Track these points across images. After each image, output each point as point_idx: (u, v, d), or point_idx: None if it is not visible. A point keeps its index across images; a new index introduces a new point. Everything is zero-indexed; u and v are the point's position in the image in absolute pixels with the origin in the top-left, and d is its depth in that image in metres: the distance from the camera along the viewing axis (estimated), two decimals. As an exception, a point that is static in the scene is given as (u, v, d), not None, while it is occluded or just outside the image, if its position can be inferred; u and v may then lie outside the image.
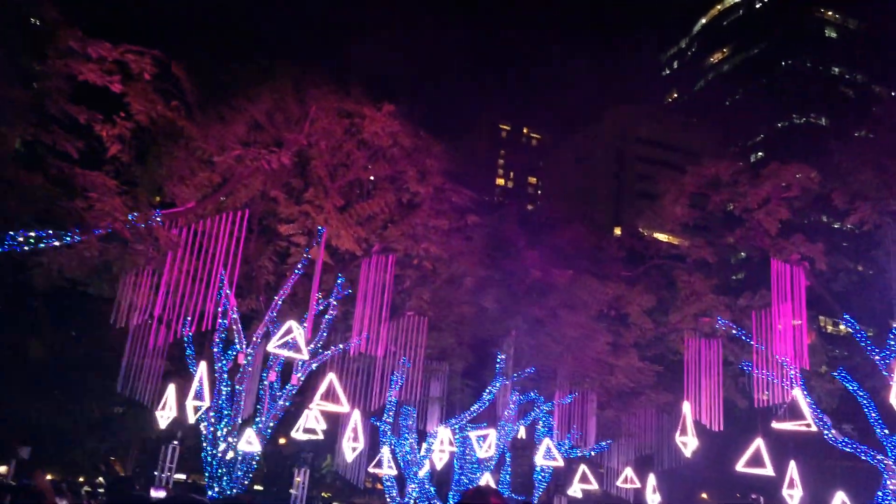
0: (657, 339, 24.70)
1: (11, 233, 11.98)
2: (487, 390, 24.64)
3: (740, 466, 20.26)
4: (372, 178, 19.69)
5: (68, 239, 12.71)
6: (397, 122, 18.14)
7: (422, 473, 24.77)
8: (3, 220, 12.08)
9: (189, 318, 17.35)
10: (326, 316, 19.83)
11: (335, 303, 19.91)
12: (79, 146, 12.53)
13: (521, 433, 27.57)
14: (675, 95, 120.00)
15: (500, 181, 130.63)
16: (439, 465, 24.26)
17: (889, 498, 18.94)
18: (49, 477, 18.14)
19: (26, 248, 12.28)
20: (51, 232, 12.40)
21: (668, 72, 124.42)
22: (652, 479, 27.04)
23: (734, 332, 21.72)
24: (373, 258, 18.96)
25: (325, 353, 20.17)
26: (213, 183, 16.59)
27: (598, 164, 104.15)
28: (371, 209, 18.87)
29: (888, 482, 18.96)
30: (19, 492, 12.83)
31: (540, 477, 26.52)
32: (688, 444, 20.54)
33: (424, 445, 24.71)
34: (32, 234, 12.13)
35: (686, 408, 20.72)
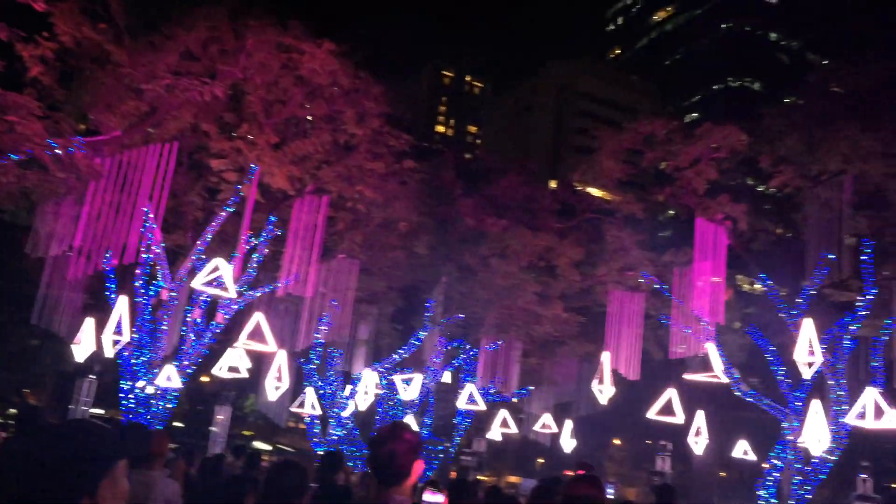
0: (583, 291, 25.29)
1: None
2: (415, 335, 24.93)
3: (652, 414, 21.13)
4: (309, 117, 19.33)
5: (-17, 162, 12.16)
6: (337, 60, 17.76)
7: (345, 415, 25.05)
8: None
9: (111, 251, 16.89)
10: (255, 255, 19.61)
11: (265, 242, 19.68)
12: (-2, 65, 11.91)
13: (446, 378, 28.10)
14: (618, 51, 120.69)
15: (441, 128, 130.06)
16: (363, 407, 24.55)
17: (786, 447, 20.10)
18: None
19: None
20: (-36, 154, 11.84)
21: (612, 27, 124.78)
22: (569, 425, 27.98)
23: (656, 286, 22.42)
24: (306, 198, 18.75)
25: (253, 292, 20.00)
26: (140, 112, 16.03)
27: (538, 116, 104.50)
28: (306, 148, 18.56)
29: (788, 432, 20.08)
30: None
31: (461, 421, 27.15)
32: (604, 392, 21.26)
33: (349, 387, 24.95)
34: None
35: (605, 357, 21.39)
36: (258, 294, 20.07)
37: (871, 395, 17.31)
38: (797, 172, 20.21)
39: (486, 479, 34.65)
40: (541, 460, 49.76)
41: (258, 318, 17.80)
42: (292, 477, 4.08)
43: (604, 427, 37.52)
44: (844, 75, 20.27)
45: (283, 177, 17.96)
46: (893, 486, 39.29)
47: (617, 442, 45.89)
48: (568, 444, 28.01)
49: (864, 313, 19.34)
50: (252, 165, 17.73)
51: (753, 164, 22.13)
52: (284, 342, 21.28)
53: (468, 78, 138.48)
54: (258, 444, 42.22)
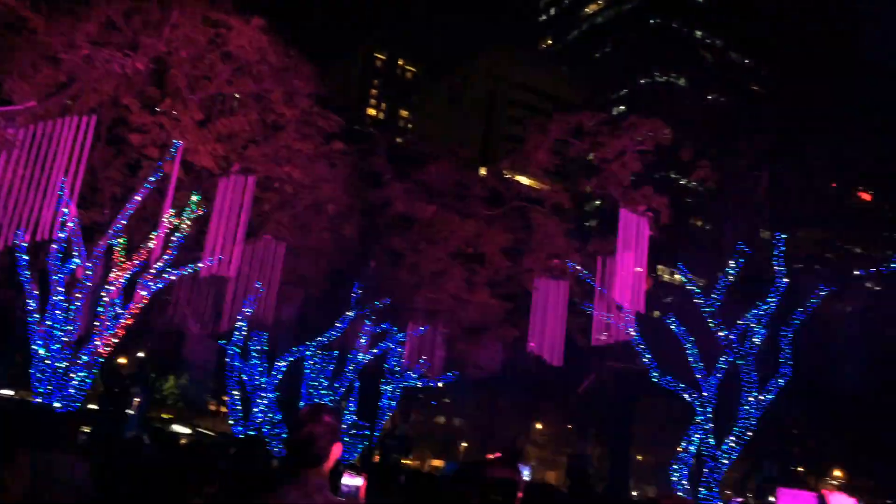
0: (510, 278, 25.59)
1: None
2: (341, 318, 24.75)
3: (574, 400, 21.63)
4: (237, 94, 18.88)
5: None
6: (266, 37, 17.40)
7: (269, 398, 24.74)
8: None
9: (23, 227, 16.18)
10: (178, 234, 19.09)
11: (188, 221, 19.17)
12: None
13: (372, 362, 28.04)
14: (550, 42, 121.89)
15: (372, 111, 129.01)
16: (287, 391, 24.29)
17: (700, 431, 20.87)
18: None
19: None
20: None
21: (544, 17, 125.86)
22: (490, 410, 28.35)
23: (581, 275, 22.86)
24: (231, 178, 18.31)
25: (175, 271, 19.49)
26: (57, 82, 15.39)
27: (470, 103, 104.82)
28: (233, 127, 18.12)
29: (701, 417, 20.85)
30: None
31: (386, 405, 27.17)
32: (528, 377, 21.62)
33: (273, 370, 24.63)
34: None
35: (530, 344, 21.73)
36: (179, 273, 19.56)
37: (779, 384, 18.14)
38: (715, 167, 20.90)
39: (410, 463, 34.84)
40: (465, 444, 50.33)
41: (179, 298, 17.33)
42: (201, 459, 4.02)
43: (527, 411, 38.16)
44: (765, 76, 21.05)
45: (208, 155, 17.52)
46: (800, 469, 41.30)
47: (540, 426, 46.74)
48: (490, 428, 28.38)
49: (774, 304, 20.19)
50: (175, 142, 17.23)
51: (676, 157, 22.79)
52: (207, 324, 20.85)
53: (401, 62, 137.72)
54: (177, 428, 41.32)
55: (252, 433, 19.92)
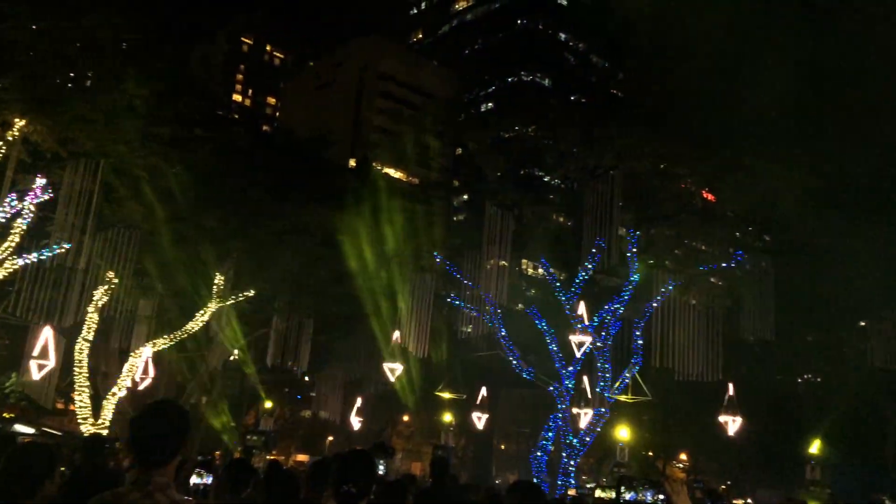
0: (377, 270, 25.52)
1: None
2: (202, 311, 23.84)
3: (439, 391, 21.90)
4: (90, 74, 17.73)
5: None
6: (121, 15, 16.42)
7: (121, 395, 23.49)
8: None
9: None
10: (20, 220, 17.73)
11: (31, 207, 17.84)
12: None
13: (235, 355, 27.25)
14: (420, 36, 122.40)
15: (238, 97, 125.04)
16: (142, 387, 23.18)
17: (558, 420, 21.67)
18: None
19: None
20: None
21: (415, 11, 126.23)
22: (357, 402, 28.27)
23: (447, 268, 23.14)
24: (80, 161, 17.17)
25: (17, 260, 18.09)
26: None
27: (340, 92, 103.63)
28: (81, 108, 16.99)
29: (560, 406, 21.65)
30: None
31: (249, 399, 26.50)
32: (395, 370, 21.69)
33: (127, 365, 23.40)
34: None
35: (396, 335, 21.80)
36: (22, 262, 18.17)
37: (630, 373, 19.11)
38: (577, 166, 21.72)
39: (273, 458, 34.09)
40: (331, 438, 49.83)
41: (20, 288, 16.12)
42: (36, 459, 3.75)
43: (393, 403, 38.28)
44: (624, 79, 22.04)
45: (54, 137, 16.35)
46: (650, 454, 43.70)
47: (405, 419, 46.96)
48: (355, 420, 28.29)
49: (628, 297, 21.24)
50: (16, 121, 15.97)
51: (540, 155, 23.49)
52: (52, 316, 19.47)
53: (269, 48, 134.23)
54: (20, 428, 38.46)
55: (99, 432, 18.84)
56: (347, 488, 3.77)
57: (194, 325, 23.74)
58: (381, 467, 8.06)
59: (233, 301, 24.17)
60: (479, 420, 24.14)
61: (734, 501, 27.63)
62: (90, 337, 21.57)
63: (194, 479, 5.10)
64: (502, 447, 47.86)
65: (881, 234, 19.46)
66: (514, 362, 22.26)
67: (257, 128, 39.77)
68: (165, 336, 23.67)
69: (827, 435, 32.65)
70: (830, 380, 34.33)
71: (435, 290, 23.19)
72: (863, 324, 23.70)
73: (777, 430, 35.34)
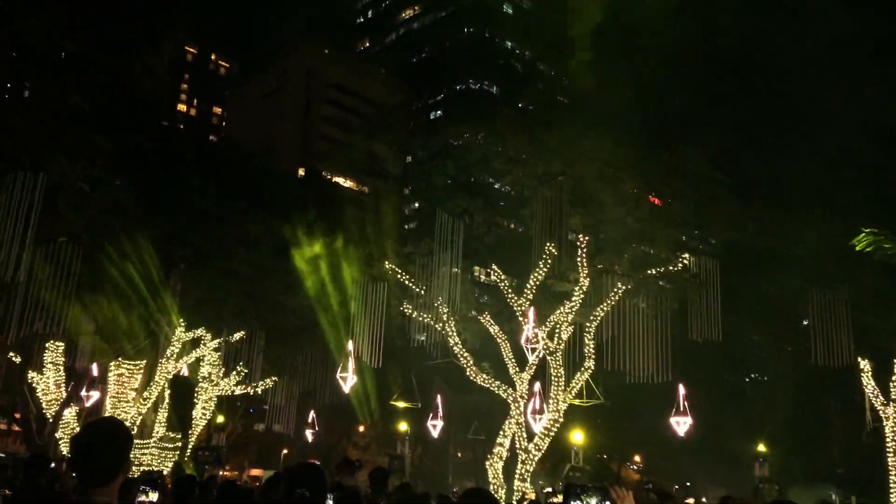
0: (329, 280, 25.32)
1: None
2: (150, 324, 23.33)
3: (394, 401, 21.77)
4: (28, 83, 17.24)
5: None
6: (55, 22, 15.99)
7: (68, 413, 22.83)
8: None
9: None
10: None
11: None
12: None
13: (184, 371, 26.67)
14: (367, 44, 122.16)
15: (182, 107, 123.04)
16: (89, 403, 22.54)
17: (512, 425, 21.69)
18: None
19: None
20: None
21: (361, 20, 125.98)
22: (311, 414, 27.98)
23: (399, 276, 23.03)
24: (19, 174, 16.64)
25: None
26: None
27: (286, 101, 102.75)
28: (14, 120, 16.47)
29: (513, 412, 21.69)
30: None
31: (202, 414, 25.98)
32: (348, 380, 21.49)
33: (72, 383, 22.75)
34: None
35: (349, 346, 21.62)
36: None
37: (583, 377, 19.28)
38: (525, 172, 21.86)
39: (227, 474, 33.49)
40: (285, 451, 49.17)
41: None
42: (45, 471, 3.61)
43: (348, 414, 37.99)
44: (571, 86, 22.33)
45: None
46: (605, 456, 44.20)
47: (361, 429, 46.63)
48: (310, 432, 27.97)
49: (579, 302, 21.41)
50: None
51: (489, 161, 23.60)
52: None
53: (213, 56, 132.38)
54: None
55: (41, 453, 18.25)
56: (301, 492, 3.71)
57: (142, 339, 23.22)
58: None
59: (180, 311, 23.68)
60: (435, 428, 24.07)
61: (686, 501, 28.04)
62: (33, 353, 20.91)
63: (140, 497, 4.94)
64: (459, 455, 47.87)
65: (823, 235, 20.04)
66: (468, 368, 22.25)
67: (203, 137, 39.20)
68: (111, 355, 23.09)
69: (772, 433, 33.50)
70: (776, 379, 35.24)
71: (387, 298, 23.07)
72: (805, 323, 24.33)
73: (727, 429, 36.08)
